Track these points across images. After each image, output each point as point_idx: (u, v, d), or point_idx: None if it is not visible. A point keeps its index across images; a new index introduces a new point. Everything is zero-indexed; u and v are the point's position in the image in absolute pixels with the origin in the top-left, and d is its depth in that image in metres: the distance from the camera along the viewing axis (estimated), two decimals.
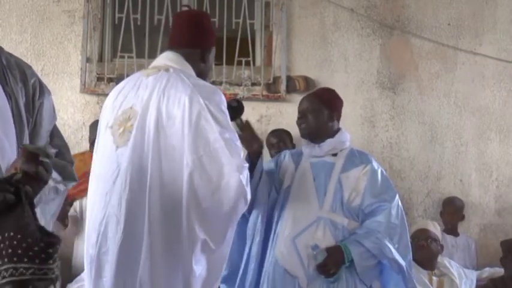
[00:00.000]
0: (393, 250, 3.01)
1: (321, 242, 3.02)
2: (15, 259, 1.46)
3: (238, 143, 2.40)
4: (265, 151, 4.51)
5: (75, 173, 1.99)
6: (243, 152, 2.41)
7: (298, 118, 3.23)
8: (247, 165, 2.39)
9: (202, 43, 2.64)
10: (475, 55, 5.26)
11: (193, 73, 2.55)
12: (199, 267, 2.36)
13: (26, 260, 1.47)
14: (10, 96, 1.80)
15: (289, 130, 4.71)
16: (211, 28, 2.72)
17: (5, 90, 1.79)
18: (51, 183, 1.79)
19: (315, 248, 2.99)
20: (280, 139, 4.70)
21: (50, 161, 1.63)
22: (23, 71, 1.90)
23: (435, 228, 4.14)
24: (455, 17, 5.29)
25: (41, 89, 1.94)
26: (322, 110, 3.18)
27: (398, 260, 3.01)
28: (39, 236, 1.50)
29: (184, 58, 2.56)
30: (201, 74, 2.60)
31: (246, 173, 2.36)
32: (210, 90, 2.44)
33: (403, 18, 5.27)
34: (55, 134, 2.02)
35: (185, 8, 2.96)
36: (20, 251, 1.47)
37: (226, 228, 2.40)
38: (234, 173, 2.30)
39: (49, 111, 1.96)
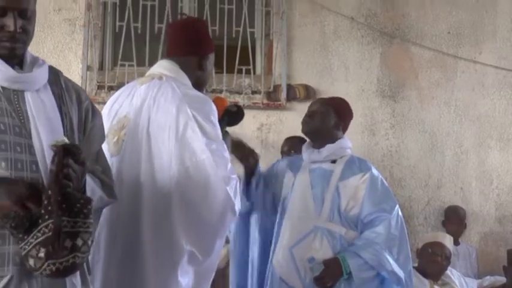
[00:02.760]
0: (392, 262, 2.98)
1: (318, 252, 3.01)
2: (66, 213, 1.70)
3: (226, 154, 2.38)
4: (277, 158, 4.53)
5: (115, 193, 2.10)
6: (229, 164, 2.39)
7: (306, 116, 3.22)
8: (235, 176, 2.37)
9: (199, 51, 2.61)
10: (475, 63, 5.27)
11: (187, 81, 2.53)
12: (186, 279, 2.35)
13: (73, 215, 1.72)
14: (66, 116, 1.94)
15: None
16: (208, 35, 2.70)
17: (61, 110, 1.94)
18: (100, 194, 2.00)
19: (311, 260, 2.98)
20: (294, 147, 4.67)
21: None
22: (78, 94, 2.04)
23: (450, 244, 4.10)
24: (455, 26, 5.30)
25: (93, 111, 2.06)
26: (331, 115, 3.17)
27: (397, 272, 2.98)
28: (78, 195, 1.76)
29: (179, 66, 2.55)
30: (199, 82, 2.59)
31: (233, 184, 2.34)
32: (199, 100, 2.42)
33: (403, 26, 5.28)
34: (101, 154, 2.11)
35: (183, 16, 2.93)
36: (65, 207, 1.71)
37: (214, 240, 2.38)
38: (220, 185, 2.29)
39: (99, 133, 2.09)
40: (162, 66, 2.57)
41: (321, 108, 3.20)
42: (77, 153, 1.76)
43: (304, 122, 3.23)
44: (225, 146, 2.40)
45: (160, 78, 2.48)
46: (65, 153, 1.73)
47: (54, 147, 1.74)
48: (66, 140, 1.78)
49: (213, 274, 2.50)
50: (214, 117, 2.42)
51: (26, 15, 1.88)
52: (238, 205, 2.38)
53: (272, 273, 3.09)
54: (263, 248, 3.18)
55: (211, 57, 2.67)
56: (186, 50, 2.59)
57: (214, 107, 2.45)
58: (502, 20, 5.33)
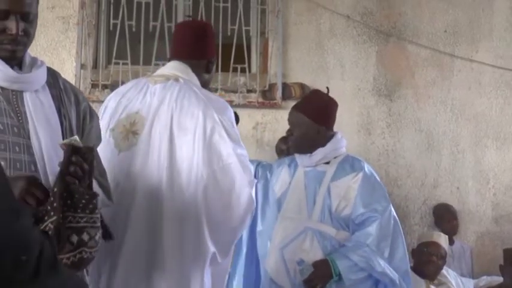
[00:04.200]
0: (382, 263, 2.95)
1: (308, 253, 2.99)
2: (72, 209, 1.71)
3: (248, 158, 2.45)
4: (273, 157, 4.51)
5: (112, 194, 2.12)
6: (253, 168, 2.47)
7: (288, 130, 3.20)
8: (256, 181, 2.47)
9: (208, 54, 2.65)
10: (472, 62, 5.25)
11: (199, 84, 2.56)
12: (208, 280, 2.39)
13: (79, 210, 1.73)
14: (65, 117, 1.97)
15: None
16: (214, 39, 2.76)
17: (60, 111, 1.97)
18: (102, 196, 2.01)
19: (301, 263, 2.97)
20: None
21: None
22: (76, 96, 2.07)
23: (445, 244, 4.09)
24: (451, 24, 5.28)
25: (91, 113, 2.09)
26: (309, 126, 3.09)
27: (389, 273, 2.95)
28: (83, 190, 1.76)
29: (191, 69, 2.57)
30: (204, 84, 2.62)
31: (254, 188, 2.43)
32: (223, 106, 2.48)
33: (400, 25, 5.26)
34: (97, 156, 2.11)
35: (187, 18, 2.97)
36: (70, 203, 1.72)
37: (234, 241, 2.47)
38: (245, 189, 2.36)
39: (96, 135, 2.11)
40: (176, 68, 2.58)
41: (296, 120, 3.12)
42: (86, 152, 1.77)
43: (289, 140, 3.21)
44: (245, 151, 2.45)
45: (176, 80, 2.50)
46: (73, 151, 1.74)
47: (64, 145, 1.75)
48: (78, 139, 1.79)
49: (227, 276, 2.58)
50: (234, 121, 2.49)
51: (28, 18, 1.89)
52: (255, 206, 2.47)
53: (264, 274, 3.10)
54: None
55: (215, 60, 2.73)
56: (198, 53, 2.63)
57: (233, 112, 2.51)
58: (498, 18, 5.32)
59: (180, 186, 2.33)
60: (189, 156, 2.34)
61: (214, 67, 2.73)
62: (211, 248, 2.35)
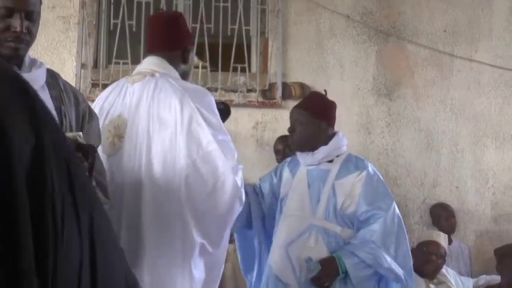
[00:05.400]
0: (389, 259, 2.96)
1: (313, 250, 3.00)
2: None
3: (232, 144, 2.42)
4: (272, 157, 4.52)
5: (109, 194, 2.13)
6: (236, 154, 2.43)
7: (288, 128, 3.21)
8: (241, 166, 2.41)
9: (182, 44, 2.63)
10: (471, 62, 5.26)
11: (177, 75, 2.55)
12: (198, 271, 2.37)
13: None
14: (65, 116, 2.01)
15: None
16: (187, 28, 2.74)
17: (61, 111, 2.01)
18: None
19: (309, 261, 2.97)
20: (287, 145, 4.66)
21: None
22: (76, 96, 2.11)
23: (445, 243, 4.10)
24: (451, 24, 5.29)
25: (90, 114, 2.13)
26: (310, 122, 3.11)
27: (395, 269, 2.96)
28: None
29: (167, 61, 2.56)
30: (184, 75, 2.61)
31: (240, 174, 2.39)
32: (200, 93, 2.46)
33: (399, 24, 5.27)
34: (96, 157, 2.13)
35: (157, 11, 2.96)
36: None
37: (223, 230, 2.42)
38: (228, 175, 2.33)
39: (95, 134, 2.14)
40: (152, 63, 2.57)
41: (298, 116, 3.14)
42: (89, 150, 1.79)
43: (290, 138, 3.23)
44: (229, 136, 2.43)
45: (152, 75, 2.49)
46: (77, 148, 1.75)
47: (68, 139, 1.75)
48: (82, 135, 1.80)
49: (222, 267, 2.53)
50: (215, 107, 2.45)
51: (32, 17, 1.93)
52: (244, 194, 2.42)
53: (269, 271, 3.10)
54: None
55: (192, 49, 2.71)
56: (171, 44, 2.61)
57: (213, 98, 2.49)
58: (497, 18, 5.32)
59: (163, 182, 2.32)
60: (171, 149, 2.33)
61: (192, 57, 2.69)
62: (198, 239, 2.33)
